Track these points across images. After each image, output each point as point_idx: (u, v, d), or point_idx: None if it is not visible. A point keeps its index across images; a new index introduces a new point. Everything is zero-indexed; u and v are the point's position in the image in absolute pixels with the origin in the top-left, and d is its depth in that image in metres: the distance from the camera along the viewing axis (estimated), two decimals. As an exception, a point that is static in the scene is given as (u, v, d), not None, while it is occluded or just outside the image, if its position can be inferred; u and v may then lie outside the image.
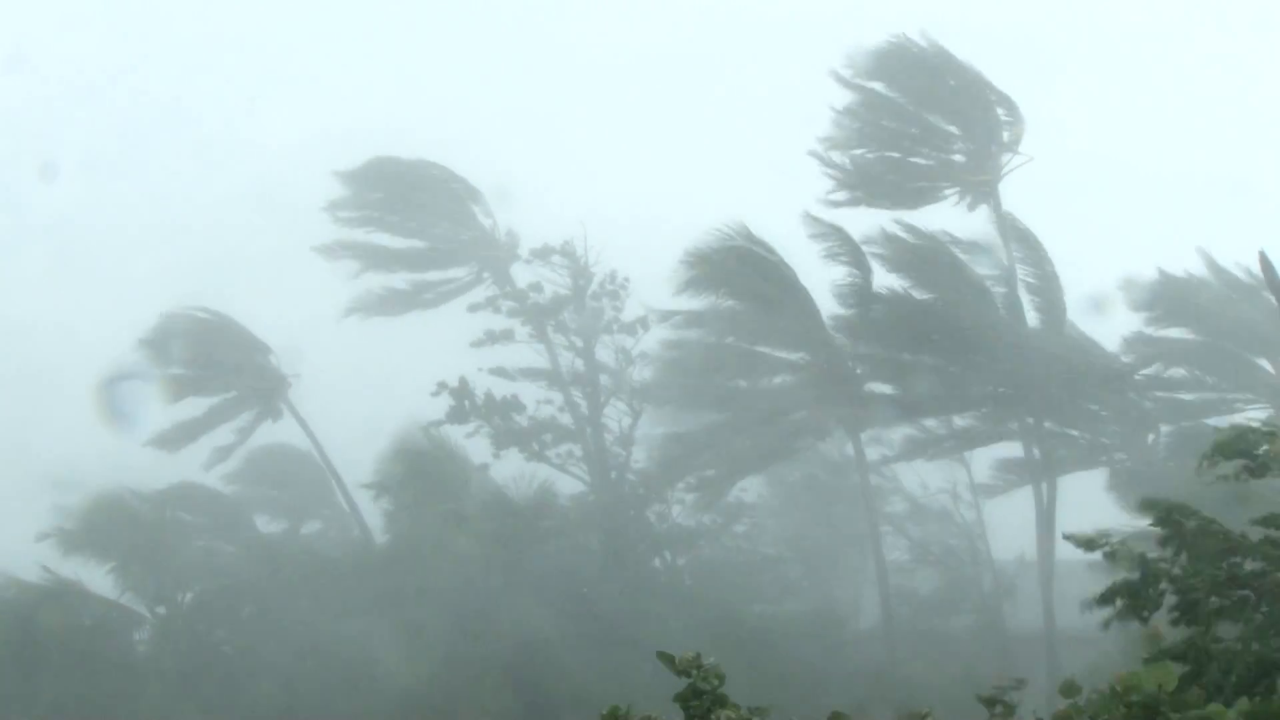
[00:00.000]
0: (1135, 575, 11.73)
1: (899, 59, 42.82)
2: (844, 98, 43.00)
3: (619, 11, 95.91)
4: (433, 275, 49.41)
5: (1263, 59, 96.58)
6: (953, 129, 43.07)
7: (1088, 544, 11.90)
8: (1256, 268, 33.77)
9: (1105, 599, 11.96)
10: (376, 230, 49.14)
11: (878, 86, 42.97)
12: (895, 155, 43.32)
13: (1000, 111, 42.72)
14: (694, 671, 5.84)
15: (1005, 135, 42.58)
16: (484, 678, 38.20)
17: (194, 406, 48.31)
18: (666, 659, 5.94)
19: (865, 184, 42.97)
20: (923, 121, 43.13)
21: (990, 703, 7.05)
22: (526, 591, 40.53)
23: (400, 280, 49.19)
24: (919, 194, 43.13)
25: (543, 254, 47.89)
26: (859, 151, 43.15)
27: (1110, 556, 11.74)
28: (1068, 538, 12.10)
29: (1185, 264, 43.38)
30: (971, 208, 42.60)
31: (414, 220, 49.39)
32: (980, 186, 42.44)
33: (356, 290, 48.85)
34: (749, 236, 41.51)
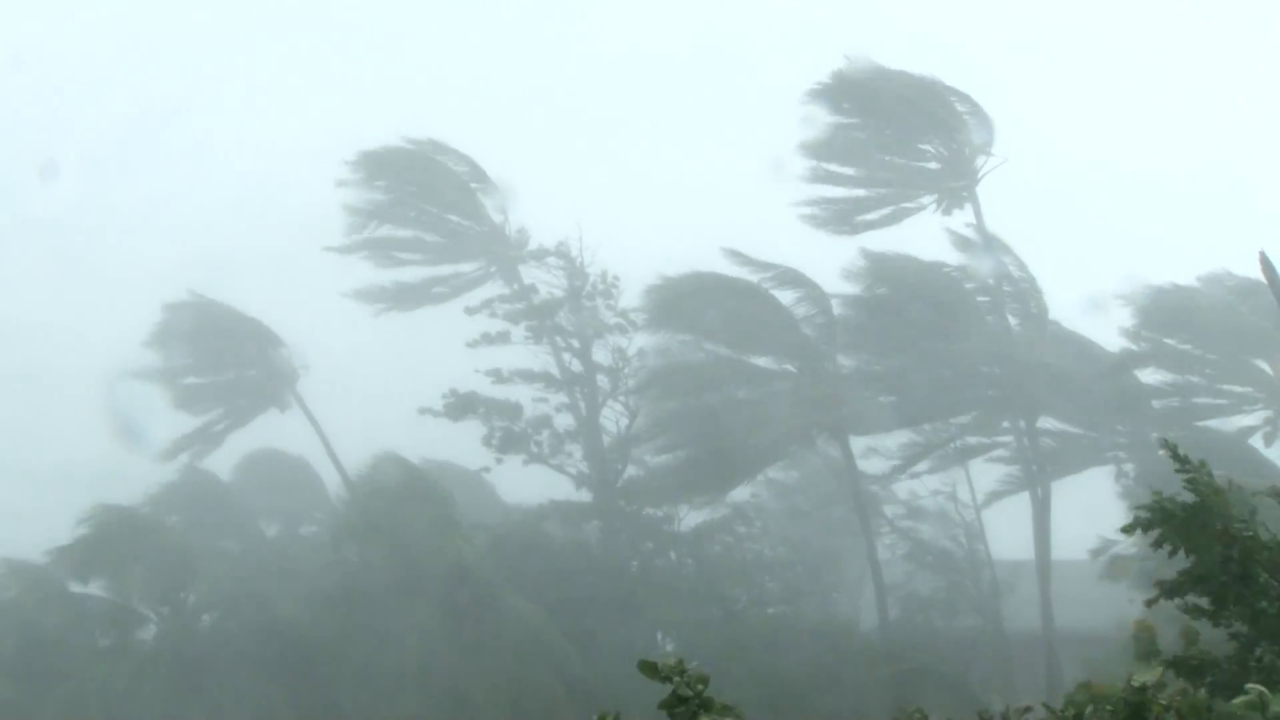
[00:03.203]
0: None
1: (855, 86, 43.92)
2: (808, 131, 44.14)
3: (618, 14, 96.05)
4: (443, 269, 48.68)
5: (1263, 59, 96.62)
6: (924, 145, 44.06)
7: (1175, 454, 11.96)
8: (1255, 268, 33.93)
9: (1135, 525, 11.94)
10: (387, 222, 48.30)
11: (839, 116, 44.11)
12: (867, 175, 44.42)
13: (966, 116, 43.64)
14: (675, 678, 5.79)
15: (974, 138, 43.54)
16: (483, 680, 38.21)
17: (203, 399, 48.50)
18: (648, 668, 5.89)
19: (842, 214, 43.96)
20: (888, 140, 44.20)
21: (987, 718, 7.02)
22: (526, 595, 40.51)
23: (411, 273, 48.61)
24: (897, 211, 44.10)
25: (538, 255, 47.80)
26: (833, 173, 44.26)
27: (1194, 476, 11.78)
28: (1164, 445, 12.13)
29: (1185, 265, 43.58)
30: (947, 212, 43.51)
31: (425, 211, 48.55)
32: (957, 192, 43.29)
33: (367, 283, 48.33)
34: (713, 276, 42.39)
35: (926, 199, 43.78)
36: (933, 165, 43.83)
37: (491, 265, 48.44)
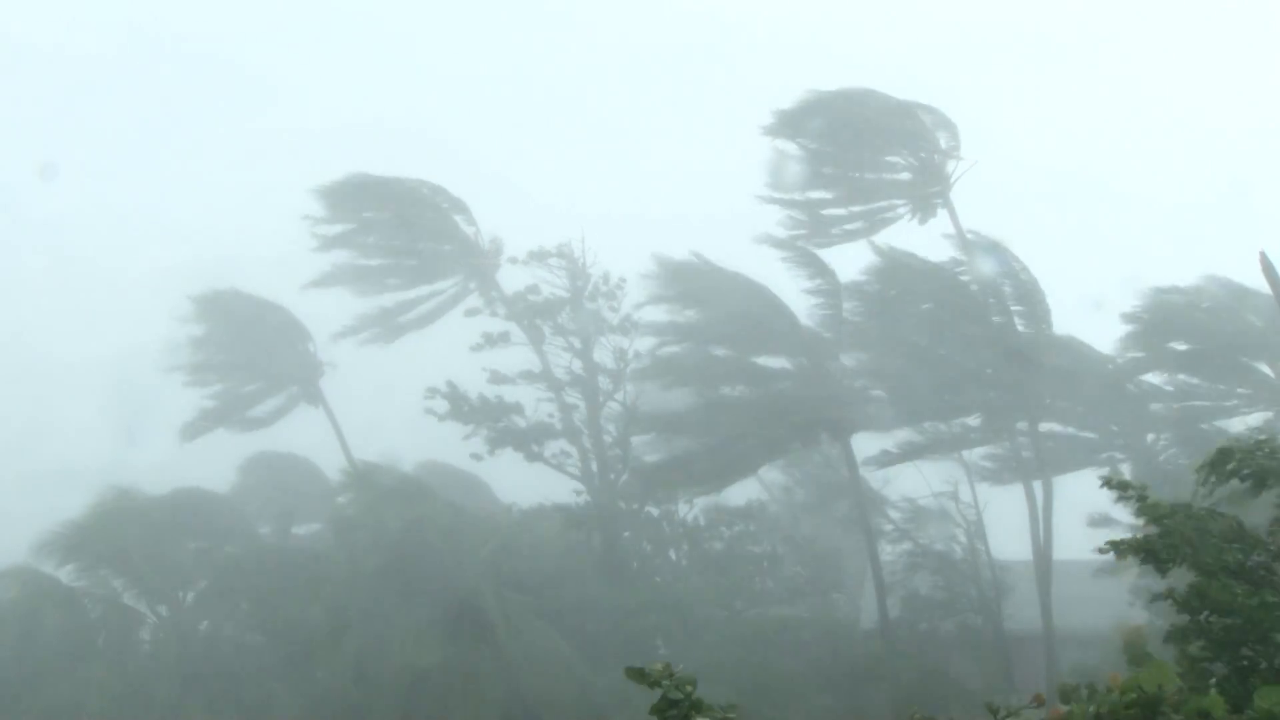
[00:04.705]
0: (1154, 530, 11.91)
1: (822, 108, 44.68)
2: (779, 149, 44.89)
3: (615, 16, 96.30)
4: (419, 291, 48.97)
5: (1262, 65, 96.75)
6: (891, 158, 44.77)
7: (1119, 486, 12.11)
8: (1247, 275, 33.98)
9: (1120, 549, 12.06)
10: (358, 252, 48.64)
11: (807, 138, 44.88)
12: (839, 192, 45.08)
13: (933, 125, 44.41)
14: (665, 682, 5.76)
15: (943, 143, 44.25)
16: (481, 681, 38.21)
17: (234, 386, 48.94)
18: (636, 674, 5.87)
19: (817, 225, 44.49)
20: (855, 156, 44.90)
21: (995, 711, 7.03)
22: (523, 594, 40.53)
23: (387, 300, 48.80)
24: (872, 222, 44.62)
25: (539, 256, 47.79)
26: (804, 195, 44.98)
27: (1142, 501, 11.90)
28: (1105, 482, 12.29)
29: (1185, 268, 43.69)
30: (923, 221, 44.10)
31: (394, 238, 48.82)
32: (931, 198, 43.96)
33: (348, 313, 48.68)
34: (706, 261, 42.75)
35: (902, 208, 44.35)
36: (904, 176, 44.58)
37: (469, 280, 48.58)
